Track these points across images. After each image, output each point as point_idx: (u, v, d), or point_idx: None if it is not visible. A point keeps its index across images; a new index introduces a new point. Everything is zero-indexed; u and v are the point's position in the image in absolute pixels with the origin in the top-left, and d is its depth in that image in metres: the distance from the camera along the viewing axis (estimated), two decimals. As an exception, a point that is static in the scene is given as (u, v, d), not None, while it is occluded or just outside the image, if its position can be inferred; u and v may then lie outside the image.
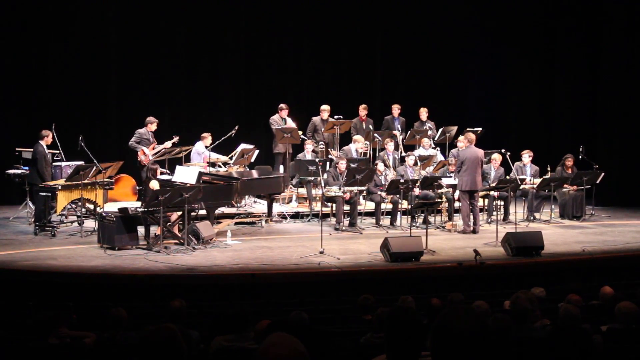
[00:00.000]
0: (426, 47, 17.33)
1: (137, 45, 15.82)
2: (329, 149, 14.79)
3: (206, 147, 13.94)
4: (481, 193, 13.10)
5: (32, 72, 15.20)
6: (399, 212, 13.28)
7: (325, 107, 14.97)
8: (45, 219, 12.01)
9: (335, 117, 14.81)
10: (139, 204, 12.58)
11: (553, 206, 14.15)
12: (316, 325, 6.68)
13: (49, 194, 11.88)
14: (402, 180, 12.50)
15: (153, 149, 13.42)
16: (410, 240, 10.91)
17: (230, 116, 15.96)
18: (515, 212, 13.36)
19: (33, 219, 12.30)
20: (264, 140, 15.18)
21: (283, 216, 13.65)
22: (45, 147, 12.63)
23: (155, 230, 11.34)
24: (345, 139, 14.79)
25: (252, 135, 14.93)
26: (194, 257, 10.63)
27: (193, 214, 11.71)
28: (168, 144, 13.49)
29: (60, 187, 11.87)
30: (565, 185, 14.04)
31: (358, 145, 14.31)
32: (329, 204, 13.23)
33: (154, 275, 9.80)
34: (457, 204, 13.16)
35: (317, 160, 13.60)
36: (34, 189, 12.34)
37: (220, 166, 13.89)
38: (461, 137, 13.68)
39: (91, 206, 12.55)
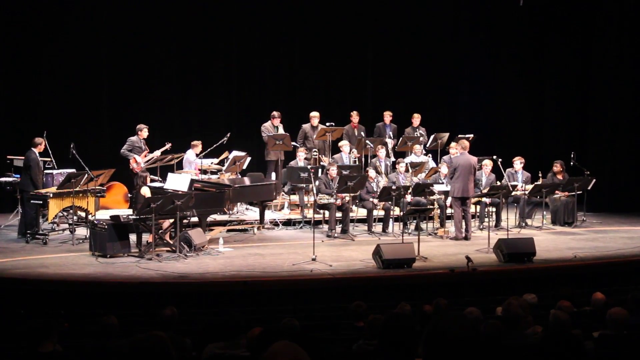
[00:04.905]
0: (417, 54, 17.36)
1: (128, 53, 15.79)
2: (320, 156, 14.79)
3: (196, 155, 13.94)
4: (473, 199, 13.12)
5: (24, 80, 15.16)
6: (391, 219, 13.27)
7: (314, 114, 14.96)
8: (37, 227, 11.97)
9: (327, 124, 14.81)
10: (130, 211, 12.56)
11: (545, 212, 14.18)
12: (308, 332, 6.66)
13: (41, 202, 11.83)
14: (394, 187, 12.52)
15: (145, 156, 13.40)
16: (403, 247, 10.90)
17: (222, 123, 15.96)
18: (507, 218, 13.38)
19: (19, 227, 12.23)
20: (255, 147, 15.16)
21: (275, 223, 13.63)
22: (37, 154, 12.55)
23: (147, 237, 11.32)
24: (337, 145, 14.77)
25: (243, 143, 14.92)
26: (186, 265, 10.61)
27: (185, 221, 11.69)
28: (158, 152, 13.47)
29: (51, 195, 11.82)
30: (556, 192, 14.07)
31: (345, 150, 14.30)
32: (321, 211, 13.23)
33: (146, 283, 9.77)
34: (449, 211, 13.17)
35: (309, 167, 13.60)
36: (25, 196, 12.23)
37: (212, 172, 13.88)
38: (454, 144, 13.69)
39: (83, 214, 12.51)
